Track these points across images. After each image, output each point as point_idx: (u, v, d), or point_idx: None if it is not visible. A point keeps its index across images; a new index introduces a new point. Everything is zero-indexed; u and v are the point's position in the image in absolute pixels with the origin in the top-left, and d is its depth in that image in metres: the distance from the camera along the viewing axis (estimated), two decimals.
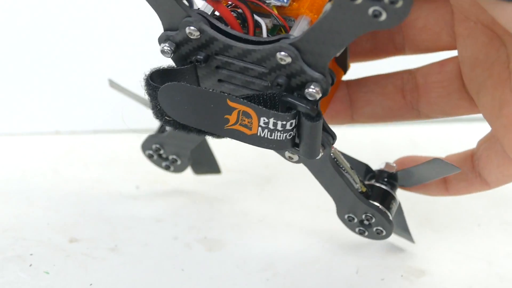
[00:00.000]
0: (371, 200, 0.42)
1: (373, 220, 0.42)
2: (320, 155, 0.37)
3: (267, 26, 0.37)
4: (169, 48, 0.37)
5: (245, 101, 0.35)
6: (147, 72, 0.37)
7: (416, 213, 0.54)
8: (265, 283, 0.43)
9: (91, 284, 0.42)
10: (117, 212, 0.51)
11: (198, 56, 0.37)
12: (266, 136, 0.36)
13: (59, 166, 0.59)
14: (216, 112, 0.36)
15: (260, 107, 0.35)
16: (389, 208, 0.42)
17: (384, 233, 0.43)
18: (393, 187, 0.44)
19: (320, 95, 0.35)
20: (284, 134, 0.36)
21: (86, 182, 0.57)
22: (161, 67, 0.38)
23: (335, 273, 0.45)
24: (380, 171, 0.44)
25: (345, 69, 0.42)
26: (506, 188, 0.60)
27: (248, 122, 0.36)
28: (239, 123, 0.36)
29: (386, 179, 0.44)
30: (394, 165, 0.44)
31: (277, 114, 0.35)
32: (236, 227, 0.49)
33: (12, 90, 0.73)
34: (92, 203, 0.52)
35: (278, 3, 0.36)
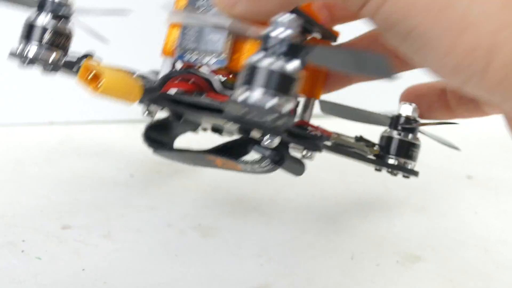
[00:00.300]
0: (390, 155, 0.43)
1: (398, 172, 0.43)
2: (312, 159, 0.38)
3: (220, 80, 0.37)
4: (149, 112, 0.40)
5: (219, 154, 0.37)
6: (144, 128, 0.39)
7: (413, 201, 0.53)
8: (259, 269, 0.43)
9: (83, 269, 0.42)
10: (110, 199, 0.51)
11: (174, 115, 0.38)
12: (252, 170, 0.38)
13: (52, 155, 0.58)
14: (205, 162, 0.40)
15: (230, 159, 0.37)
16: (409, 157, 0.43)
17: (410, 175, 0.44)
18: (410, 131, 0.44)
19: (277, 142, 0.35)
20: (265, 167, 0.36)
21: (79, 171, 0.57)
22: (153, 122, 0.40)
23: (330, 259, 0.44)
24: (396, 117, 0.44)
25: (333, 38, 0.41)
26: (503, 178, 0.60)
27: (231, 165, 0.38)
28: (225, 165, 0.39)
29: (401, 126, 0.44)
30: (411, 105, 0.44)
31: (246, 162, 0.36)
32: (230, 214, 0.49)
33: (6, 82, 0.73)
34: (86, 191, 0.52)
35: (216, 67, 0.36)
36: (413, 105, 0.43)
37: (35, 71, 0.71)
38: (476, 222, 0.52)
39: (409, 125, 0.43)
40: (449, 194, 0.56)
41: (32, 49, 0.38)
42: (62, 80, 0.74)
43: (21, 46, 0.39)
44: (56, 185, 0.53)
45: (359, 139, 0.43)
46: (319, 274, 0.43)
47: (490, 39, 0.26)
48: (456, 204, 0.55)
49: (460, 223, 0.51)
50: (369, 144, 0.43)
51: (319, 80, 0.42)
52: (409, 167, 0.43)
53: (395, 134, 0.43)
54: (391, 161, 0.43)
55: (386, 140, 0.43)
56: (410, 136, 0.43)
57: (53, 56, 0.38)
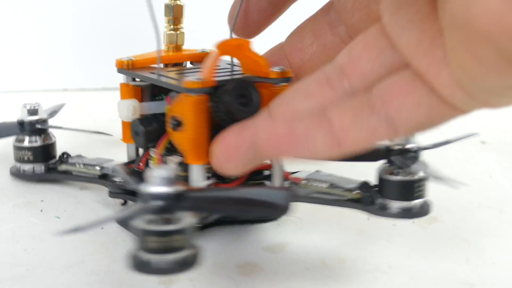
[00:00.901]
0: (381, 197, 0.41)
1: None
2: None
3: None
4: None
5: None
6: None
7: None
8: (276, 228, 0.43)
9: (102, 228, 0.42)
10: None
11: None
12: None
13: (68, 121, 0.59)
14: None
15: None
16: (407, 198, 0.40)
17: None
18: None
19: None
20: None
21: (95, 135, 0.57)
22: None
23: (347, 219, 0.44)
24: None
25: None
26: None
27: None
28: None
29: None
30: None
31: None
32: None
33: (23, 51, 0.74)
34: (103, 154, 0.52)
35: None
36: None
37: (50, 44, 0.72)
38: (491, 185, 0.52)
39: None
40: (463, 158, 0.56)
41: (24, 168, 0.49)
42: (76, 49, 0.75)
43: (17, 166, 0.50)
44: (72, 149, 0.53)
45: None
46: (336, 233, 0.43)
47: None
48: (471, 168, 0.55)
49: (475, 186, 0.51)
50: (348, 189, 0.41)
51: None
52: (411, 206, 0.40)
53: (383, 173, 0.40)
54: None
55: (379, 180, 0.41)
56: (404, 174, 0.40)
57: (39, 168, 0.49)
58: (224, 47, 0.38)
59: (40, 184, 0.49)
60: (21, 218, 0.44)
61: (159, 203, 0.32)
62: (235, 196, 0.33)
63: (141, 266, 0.32)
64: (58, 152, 0.50)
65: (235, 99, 0.38)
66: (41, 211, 0.45)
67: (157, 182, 0.32)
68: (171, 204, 0.32)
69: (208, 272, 0.38)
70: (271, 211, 0.32)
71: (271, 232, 0.43)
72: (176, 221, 0.32)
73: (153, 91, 0.45)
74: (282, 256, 0.40)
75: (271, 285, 0.37)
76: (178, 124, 0.39)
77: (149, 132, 0.42)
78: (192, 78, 0.38)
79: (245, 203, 0.33)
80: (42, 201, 0.46)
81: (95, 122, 0.60)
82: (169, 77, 0.41)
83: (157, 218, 0.32)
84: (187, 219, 0.32)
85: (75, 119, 0.59)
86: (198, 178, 0.40)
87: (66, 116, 0.59)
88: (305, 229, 0.44)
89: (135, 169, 0.44)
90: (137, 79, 0.44)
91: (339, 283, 0.38)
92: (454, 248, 0.43)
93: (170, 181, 0.32)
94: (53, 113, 0.54)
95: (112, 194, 0.44)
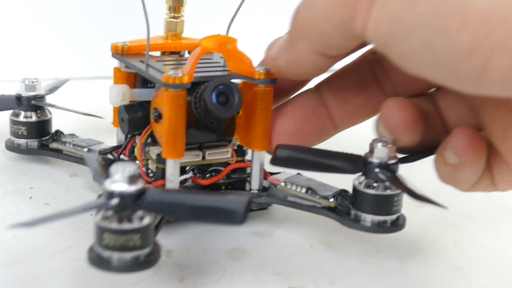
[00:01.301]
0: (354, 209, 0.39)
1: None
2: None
3: None
4: None
5: None
6: None
7: None
8: (263, 214, 0.43)
9: (91, 215, 0.42)
10: None
11: None
12: None
13: (58, 110, 0.58)
14: None
15: None
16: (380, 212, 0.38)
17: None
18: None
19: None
20: None
21: (85, 123, 0.57)
22: None
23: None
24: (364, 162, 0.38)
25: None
26: None
27: None
28: None
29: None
30: (387, 146, 0.37)
31: None
32: None
33: (16, 42, 0.74)
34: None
35: None
36: (389, 145, 0.37)
37: (43, 35, 0.72)
38: None
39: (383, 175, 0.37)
40: None
41: (19, 142, 0.50)
42: (66, 40, 0.75)
43: (12, 140, 0.51)
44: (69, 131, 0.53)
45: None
46: (324, 219, 0.43)
47: None
48: None
49: None
50: (323, 196, 0.40)
51: (258, 128, 0.41)
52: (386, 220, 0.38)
53: (361, 186, 0.38)
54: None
55: (353, 191, 0.39)
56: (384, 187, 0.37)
57: (33, 143, 0.50)
58: (207, 44, 0.38)
59: (29, 171, 0.49)
60: (11, 205, 0.44)
61: (115, 201, 0.32)
62: (193, 202, 0.33)
63: (97, 262, 0.33)
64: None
65: (215, 97, 0.38)
66: (30, 198, 0.45)
67: (119, 179, 0.32)
68: (128, 202, 0.32)
69: (196, 257, 0.38)
70: (227, 219, 0.32)
71: (259, 218, 0.43)
72: (134, 220, 0.32)
73: (145, 78, 0.45)
74: (270, 241, 0.41)
75: (259, 269, 0.37)
76: (159, 116, 0.39)
77: (133, 120, 0.42)
78: (172, 73, 0.38)
79: (202, 210, 0.33)
80: (31, 188, 0.46)
81: (86, 110, 0.60)
82: (156, 69, 0.41)
83: (114, 215, 0.32)
84: (146, 218, 0.32)
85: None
86: (173, 173, 0.40)
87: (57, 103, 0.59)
88: (294, 215, 0.44)
89: (111, 158, 0.45)
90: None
91: (327, 267, 0.38)
92: (442, 232, 0.43)
93: (133, 179, 0.32)
94: (53, 89, 0.54)
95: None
